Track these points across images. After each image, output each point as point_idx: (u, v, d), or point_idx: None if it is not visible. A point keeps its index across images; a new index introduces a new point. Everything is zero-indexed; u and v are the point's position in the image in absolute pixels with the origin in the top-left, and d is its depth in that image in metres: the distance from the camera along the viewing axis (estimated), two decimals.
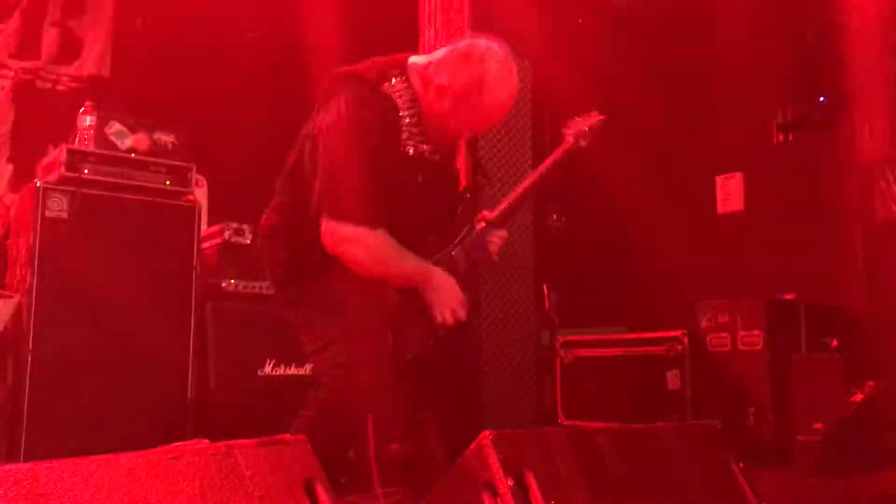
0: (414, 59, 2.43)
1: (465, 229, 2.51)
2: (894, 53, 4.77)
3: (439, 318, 2.36)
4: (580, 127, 2.55)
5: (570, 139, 2.56)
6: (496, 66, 2.37)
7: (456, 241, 2.49)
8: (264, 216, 2.56)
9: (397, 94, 2.33)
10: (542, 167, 2.58)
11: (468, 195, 2.58)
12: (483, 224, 2.51)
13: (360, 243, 2.27)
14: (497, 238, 2.55)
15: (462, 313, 2.38)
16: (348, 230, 2.26)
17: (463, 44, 2.43)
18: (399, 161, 2.33)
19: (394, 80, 2.34)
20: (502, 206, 2.55)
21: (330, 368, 2.34)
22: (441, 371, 2.59)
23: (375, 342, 2.34)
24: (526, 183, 2.57)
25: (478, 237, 2.50)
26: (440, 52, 2.44)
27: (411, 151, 2.35)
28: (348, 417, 2.34)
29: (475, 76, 2.33)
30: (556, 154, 2.55)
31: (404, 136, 2.33)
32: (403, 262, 2.35)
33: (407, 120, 2.33)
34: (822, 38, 4.98)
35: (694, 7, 5.79)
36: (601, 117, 2.55)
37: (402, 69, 2.39)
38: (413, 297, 2.38)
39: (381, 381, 2.38)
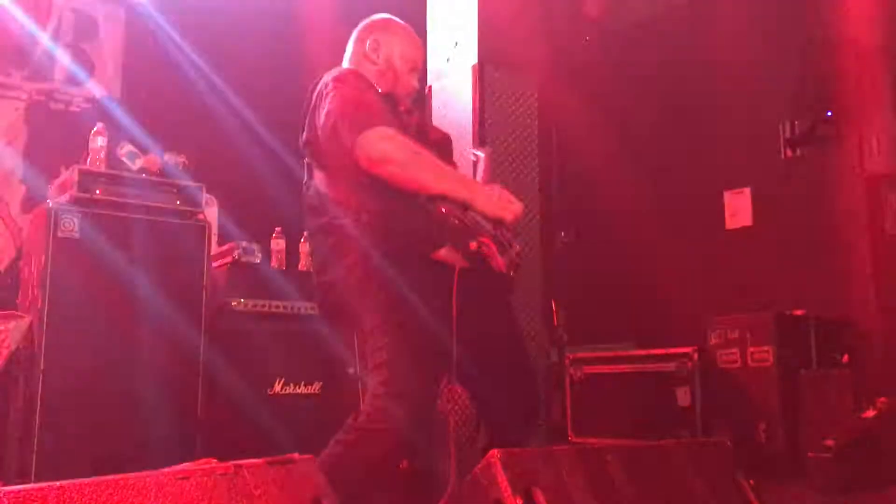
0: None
1: None
2: None
3: (507, 217, 2.37)
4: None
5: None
6: (384, 17, 2.78)
7: None
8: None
9: None
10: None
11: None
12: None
13: (388, 139, 2.33)
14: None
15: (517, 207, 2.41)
16: (375, 132, 2.32)
17: (359, 27, 2.79)
18: (384, 99, 2.53)
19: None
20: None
21: (373, 395, 2.28)
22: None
23: (429, 368, 2.31)
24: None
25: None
26: (349, 49, 2.78)
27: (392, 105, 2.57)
28: (383, 451, 2.28)
29: (382, 26, 2.74)
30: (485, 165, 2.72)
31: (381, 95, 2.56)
32: (436, 161, 2.39)
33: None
34: (828, 53, 4.98)
35: (700, 23, 5.81)
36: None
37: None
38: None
39: (426, 415, 2.33)
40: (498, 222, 2.36)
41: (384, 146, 2.31)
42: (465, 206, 2.33)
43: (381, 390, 2.25)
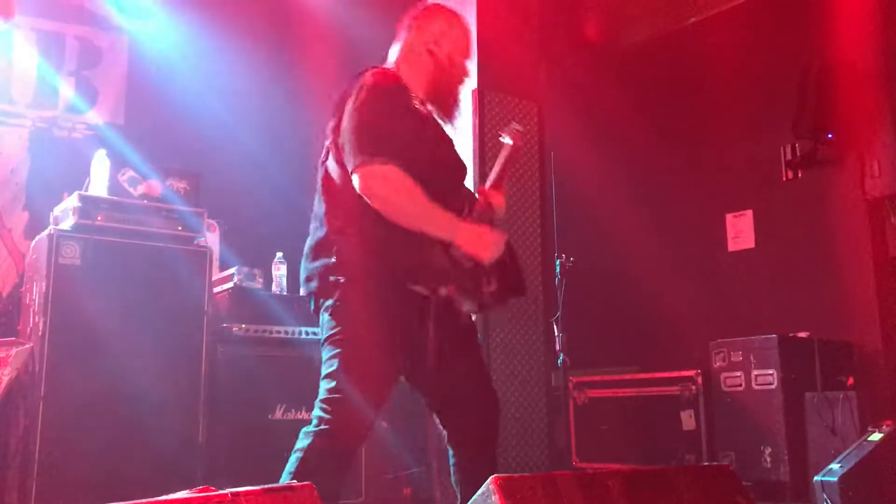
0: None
1: (465, 209, 2.63)
2: None
3: (485, 258, 2.50)
4: (514, 131, 2.72)
5: (513, 144, 2.74)
6: (447, 9, 2.80)
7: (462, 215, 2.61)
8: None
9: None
10: (502, 165, 2.75)
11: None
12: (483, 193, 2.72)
13: (387, 177, 2.41)
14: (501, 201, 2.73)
15: (497, 249, 2.54)
16: (376, 167, 2.41)
17: (416, 14, 2.78)
18: (413, 117, 2.58)
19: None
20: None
21: (322, 400, 2.43)
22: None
23: (380, 367, 2.44)
24: (494, 175, 2.74)
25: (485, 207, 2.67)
26: (399, 42, 2.76)
27: (419, 107, 2.62)
28: (340, 456, 2.43)
29: (438, 15, 2.75)
30: (508, 153, 2.72)
31: (414, 99, 2.62)
32: (430, 203, 2.46)
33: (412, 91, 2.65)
34: (828, 76, 5.00)
35: (700, 46, 5.84)
36: (521, 128, 2.76)
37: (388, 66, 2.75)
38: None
39: (372, 419, 2.47)
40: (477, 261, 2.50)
41: (375, 184, 2.42)
42: (448, 245, 2.47)
43: (331, 395, 2.41)
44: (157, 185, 4.28)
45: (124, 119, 5.79)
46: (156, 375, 3.84)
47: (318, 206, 2.62)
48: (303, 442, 2.41)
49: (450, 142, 2.74)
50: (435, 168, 2.57)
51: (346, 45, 5.93)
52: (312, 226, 2.64)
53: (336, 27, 5.86)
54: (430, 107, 2.69)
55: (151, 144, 5.03)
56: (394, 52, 2.76)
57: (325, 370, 2.47)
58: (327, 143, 2.63)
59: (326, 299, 2.51)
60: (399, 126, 2.50)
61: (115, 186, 4.16)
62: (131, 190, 4.19)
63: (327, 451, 2.39)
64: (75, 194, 3.94)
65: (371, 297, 2.44)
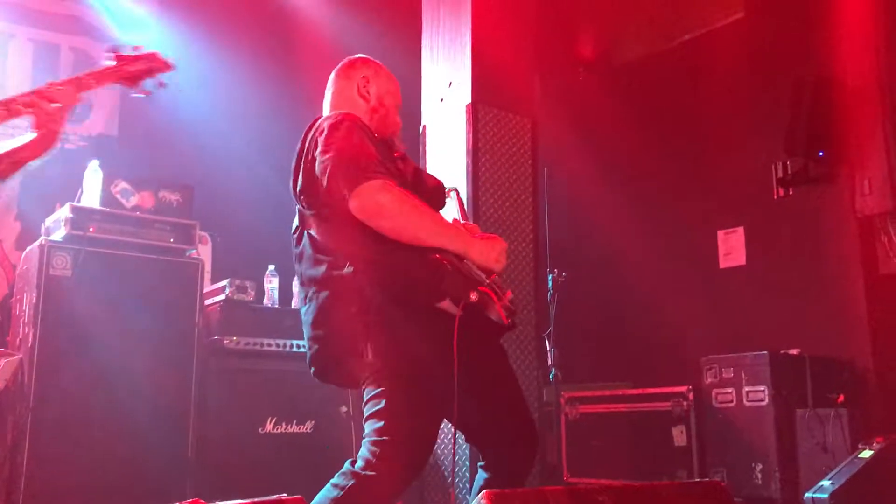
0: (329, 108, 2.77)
1: None
2: (892, 107, 4.81)
3: (497, 268, 2.40)
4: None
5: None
6: (370, 59, 2.82)
7: None
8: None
9: None
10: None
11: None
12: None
13: (385, 191, 2.30)
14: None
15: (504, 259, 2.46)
16: (371, 185, 2.29)
17: (341, 66, 2.81)
18: (379, 145, 2.49)
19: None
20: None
21: (372, 442, 2.27)
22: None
23: (428, 417, 2.31)
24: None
25: None
26: (329, 91, 2.78)
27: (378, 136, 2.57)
28: (379, 497, 2.25)
29: (363, 63, 2.78)
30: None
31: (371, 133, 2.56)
32: (433, 213, 2.40)
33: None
34: (820, 93, 5.03)
35: (694, 63, 5.87)
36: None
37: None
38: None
39: (423, 463, 2.34)
40: (489, 272, 2.39)
41: (380, 199, 2.30)
42: (460, 257, 2.35)
43: (380, 437, 2.24)
44: (149, 197, 4.28)
45: (117, 130, 5.79)
46: (146, 387, 3.83)
47: (310, 270, 2.47)
48: (343, 480, 2.24)
49: (418, 167, 2.69)
50: (416, 189, 2.48)
51: (340, 57, 5.94)
52: (310, 291, 2.46)
53: (330, 38, 5.88)
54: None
55: (144, 156, 5.04)
56: (328, 105, 2.75)
57: (370, 409, 2.30)
58: (299, 209, 2.52)
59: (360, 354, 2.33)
60: (375, 149, 2.41)
61: (107, 198, 4.15)
62: (123, 201, 4.19)
63: (366, 497, 2.23)
64: (67, 205, 3.93)
65: (403, 327, 2.30)
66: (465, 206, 2.83)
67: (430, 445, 2.34)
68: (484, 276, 2.36)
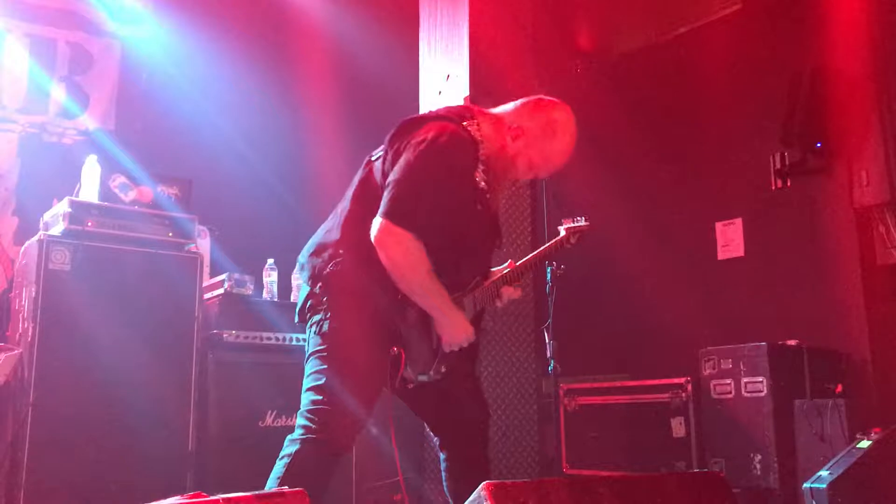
0: (482, 109, 2.78)
1: (473, 281, 2.73)
2: (889, 98, 4.82)
3: (446, 348, 2.61)
4: (573, 228, 2.89)
5: (565, 235, 2.90)
6: (565, 116, 2.75)
7: (467, 289, 2.71)
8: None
9: (473, 132, 2.65)
10: (541, 251, 2.93)
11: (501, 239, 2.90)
12: (509, 268, 2.83)
13: (403, 243, 2.46)
14: (512, 291, 2.83)
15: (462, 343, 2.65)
16: (398, 230, 2.45)
17: (534, 97, 2.79)
18: (470, 188, 2.61)
19: (465, 123, 2.64)
20: (522, 262, 2.86)
21: (308, 410, 2.50)
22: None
23: (365, 376, 2.51)
24: (529, 258, 2.89)
25: (491, 287, 2.76)
26: (512, 104, 2.77)
27: (481, 183, 2.63)
28: (326, 463, 2.49)
29: (550, 121, 2.71)
30: (553, 243, 2.90)
31: (479, 168, 2.63)
32: (434, 279, 2.54)
33: (481, 156, 2.64)
34: (817, 84, 5.03)
35: (690, 55, 5.87)
36: (588, 224, 2.90)
37: (472, 115, 2.71)
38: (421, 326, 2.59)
39: (360, 426, 2.54)
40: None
41: (390, 242, 2.46)
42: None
43: (315, 406, 2.48)
44: (147, 191, 4.28)
45: (115, 124, 5.78)
46: (146, 381, 3.83)
47: (344, 205, 2.66)
48: (289, 448, 2.47)
49: (489, 211, 2.73)
50: (461, 238, 2.62)
51: (338, 52, 5.95)
52: (330, 221, 2.68)
53: (329, 34, 5.88)
54: (481, 169, 2.65)
55: (142, 150, 5.02)
56: (506, 107, 2.75)
57: (309, 382, 2.54)
58: (382, 149, 2.63)
59: (314, 314, 2.58)
60: (442, 194, 2.51)
61: (105, 192, 4.15)
62: (122, 195, 4.19)
63: (314, 457, 2.44)
64: (66, 200, 3.93)
65: (360, 304, 2.52)
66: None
67: (366, 413, 2.54)
68: (437, 341, 2.60)
